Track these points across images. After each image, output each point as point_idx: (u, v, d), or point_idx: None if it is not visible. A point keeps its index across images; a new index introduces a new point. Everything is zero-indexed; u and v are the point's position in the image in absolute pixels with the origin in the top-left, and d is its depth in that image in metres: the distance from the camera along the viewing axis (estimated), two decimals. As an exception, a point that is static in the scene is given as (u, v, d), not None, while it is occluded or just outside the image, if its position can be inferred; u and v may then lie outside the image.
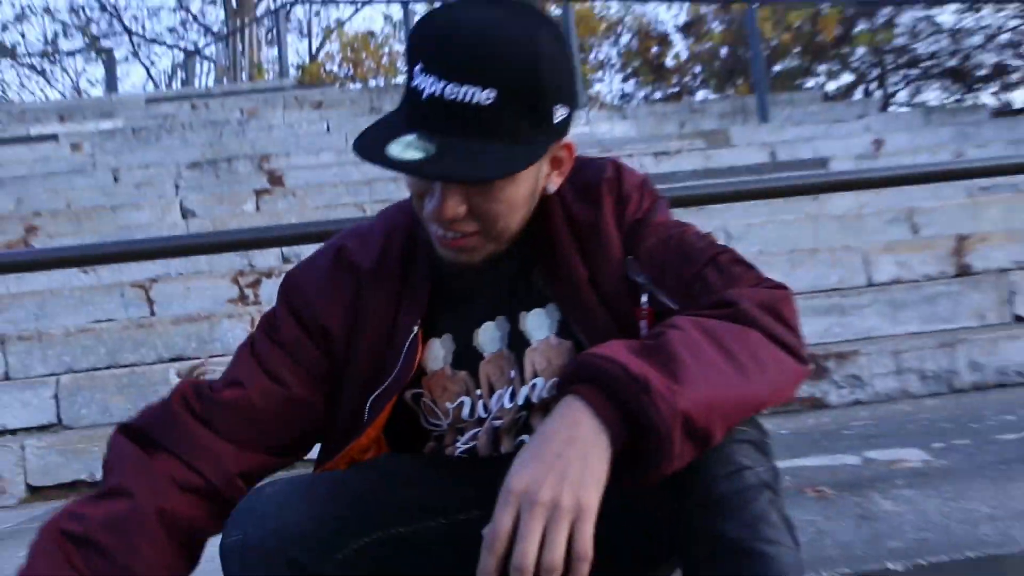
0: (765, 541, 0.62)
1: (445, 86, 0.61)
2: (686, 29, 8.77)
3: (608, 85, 9.54)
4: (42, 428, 2.31)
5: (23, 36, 12.01)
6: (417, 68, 0.64)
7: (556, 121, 0.67)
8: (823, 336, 2.49)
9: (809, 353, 1.79)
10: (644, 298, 0.74)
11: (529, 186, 0.71)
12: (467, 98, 0.61)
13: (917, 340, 2.41)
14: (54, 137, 5.29)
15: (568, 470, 0.57)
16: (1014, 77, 7.33)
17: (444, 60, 0.62)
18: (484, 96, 0.61)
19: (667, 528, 0.68)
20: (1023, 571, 0.99)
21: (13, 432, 2.28)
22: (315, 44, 11.63)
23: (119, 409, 2.31)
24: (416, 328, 0.75)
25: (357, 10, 11.20)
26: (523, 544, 0.54)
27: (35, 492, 2.03)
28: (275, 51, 8.38)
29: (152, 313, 2.88)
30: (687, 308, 0.70)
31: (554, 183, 0.74)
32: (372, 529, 0.70)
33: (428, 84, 0.62)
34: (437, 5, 0.88)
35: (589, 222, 0.77)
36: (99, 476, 1.67)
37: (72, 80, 12.55)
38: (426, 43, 0.65)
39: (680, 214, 2.29)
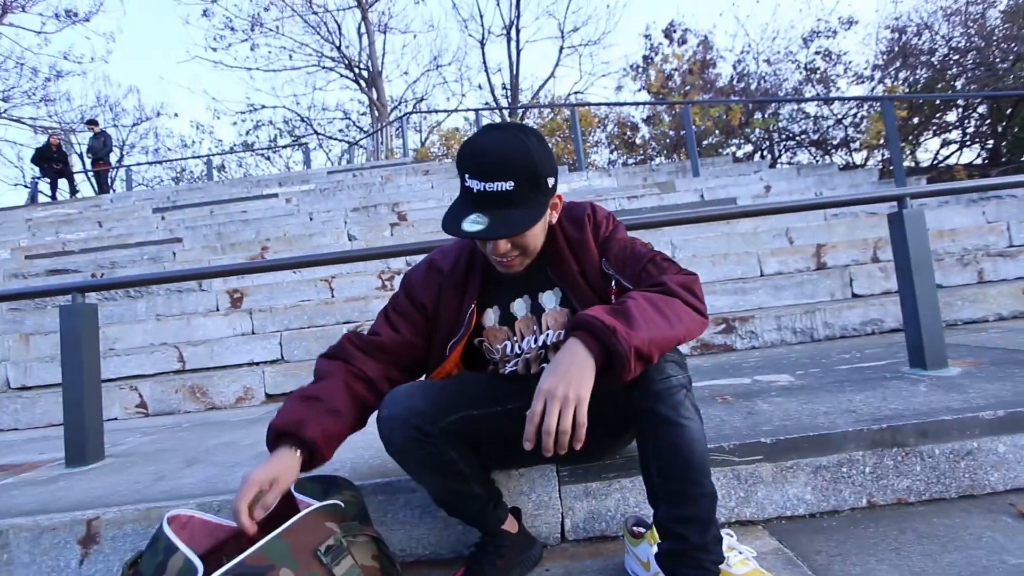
0: (684, 417, 0.83)
1: (485, 184, 0.87)
2: (647, 120, 11.80)
3: (600, 156, 12.70)
4: (273, 362, 3.30)
5: (257, 137, 18.35)
6: (466, 176, 0.89)
7: (550, 186, 0.94)
8: (732, 307, 3.10)
9: (721, 317, 2.79)
10: (613, 283, 0.99)
11: (542, 226, 0.98)
12: (498, 189, 0.87)
13: (791, 309, 2.89)
14: (275, 195, 7.24)
15: (572, 378, 0.78)
16: (854, 145, 9.33)
17: (481, 171, 0.88)
18: (508, 186, 0.87)
19: (627, 411, 0.88)
20: (840, 444, 1.22)
21: (258, 364, 3.29)
22: (424, 136, 16.65)
23: (315, 351, 3.30)
24: (473, 305, 1.03)
25: (448, 116, 16.20)
26: (549, 418, 0.77)
27: (269, 398, 2.96)
28: (401, 141, 11.65)
29: (332, 296, 4.04)
30: (637, 288, 0.92)
31: (554, 218, 1.02)
32: (458, 411, 0.96)
33: (475, 184, 0.88)
34: (476, 130, 1.07)
35: (578, 239, 1.02)
36: None
37: (284, 162, 18.67)
38: (468, 161, 0.90)
39: (644, 233, 3.37)
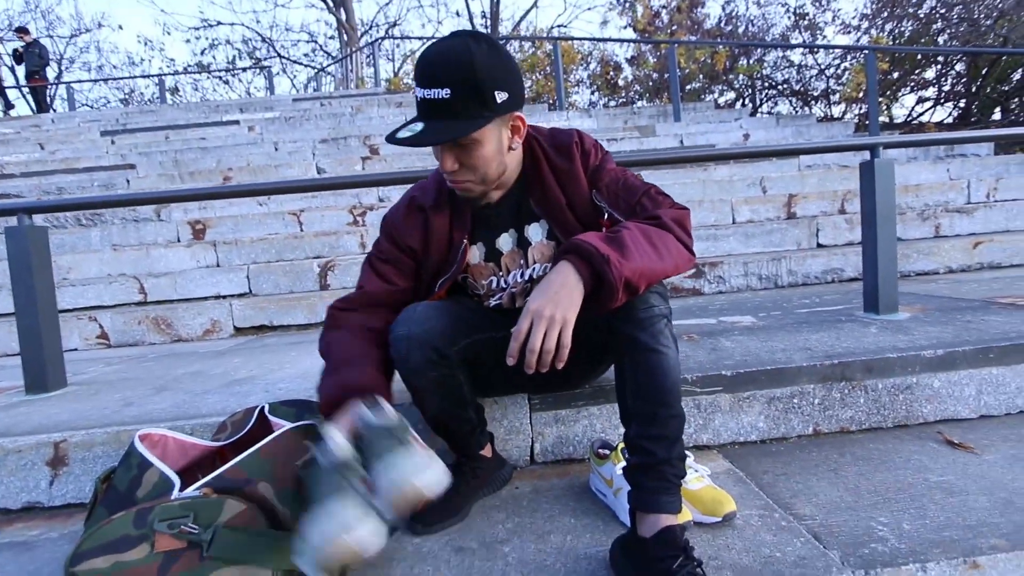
0: (662, 345, 0.85)
1: (425, 91, 0.84)
2: (631, 61, 11.32)
3: (581, 96, 12.25)
4: (241, 295, 3.22)
5: (214, 58, 17.05)
6: (416, 85, 0.86)
7: (500, 102, 0.85)
8: (703, 253, 3.19)
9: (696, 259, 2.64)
10: (605, 215, 0.97)
11: (494, 146, 0.90)
12: (435, 96, 0.83)
13: (758, 257, 2.99)
14: (236, 122, 6.81)
15: (559, 300, 0.78)
16: (833, 98, 9.30)
17: (422, 76, 0.84)
18: (444, 93, 0.83)
19: (607, 335, 0.89)
20: (794, 377, 1.29)
21: (224, 297, 3.20)
22: (397, 65, 15.79)
23: (284, 285, 3.24)
24: (465, 241, 1.00)
25: (423, 43, 14.26)
26: (534, 337, 0.77)
27: (238, 331, 2.94)
28: (372, 69, 11.02)
29: (301, 230, 3.90)
30: (630, 219, 0.92)
31: (516, 143, 0.94)
32: (469, 335, 0.98)
33: (419, 92, 0.85)
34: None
35: (565, 169, 0.98)
36: (273, 323, 2.68)
37: (245, 87, 17.44)
38: (416, 68, 0.86)
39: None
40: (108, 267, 3.52)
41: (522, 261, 1.04)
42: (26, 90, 10.48)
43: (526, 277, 1.05)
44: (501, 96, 0.86)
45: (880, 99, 9.24)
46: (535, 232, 1.03)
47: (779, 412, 1.32)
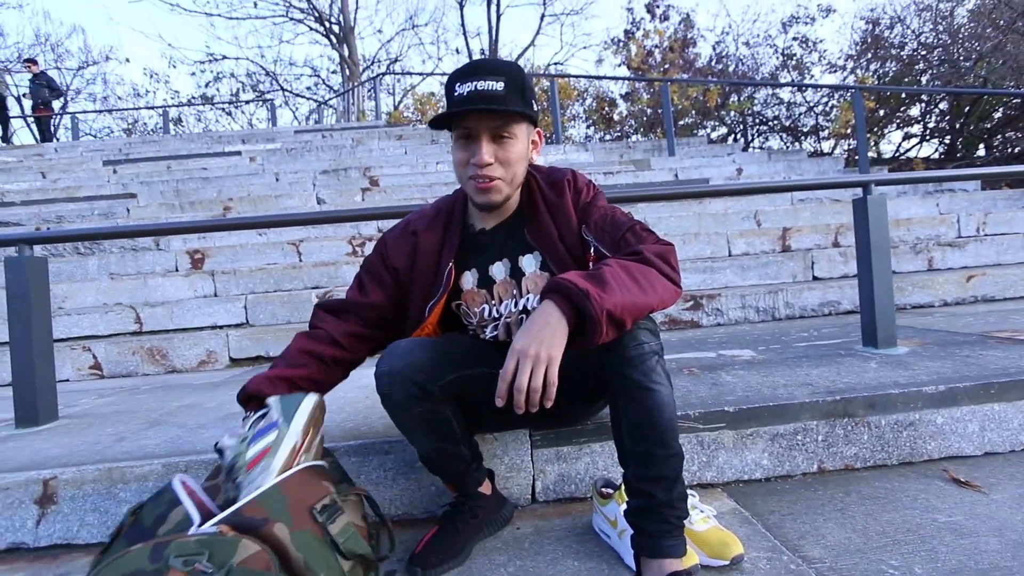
0: (654, 383, 0.85)
1: (477, 83, 0.91)
2: (626, 97, 12.06)
3: (577, 130, 12.71)
4: (238, 325, 3.21)
5: (218, 90, 17.26)
6: (457, 85, 0.91)
7: (534, 109, 0.96)
8: (700, 285, 3.20)
9: (689, 294, 2.88)
10: (592, 250, 0.99)
11: (523, 147, 0.97)
12: (488, 87, 0.90)
13: (755, 289, 3.00)
14: (238, 153, 6.96)
15: (544, 338, 0.79)
16: (823, 134, 9.62)
17: (475, 72, 0.92)
18: (498, 84, 0.91)
19: (600, 374, 0.89)
20: (796, 414, 1.28)
21: (221, 327, 3.20)
22: (397, 99, 16.15)
23: (281, 316, 3.24)
24: (451, 264, 1.02)
25: (423, 79, 15.84)
26: (520, 377, 0.78)
27: (234, 362, 2.89)
28: (373, 103, 11.30)
29: (300, 260, 3.94)
30: (615, 255, 0.93)
31: (535, 154, 1.03)
32: (456, 369, 0.96)
33: (469, 85, 0.90)
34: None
35: (557, 203, 1.03)
36: (270, 353, 2.67)
37: (247, 118, 17.76)
38: (463, 71, 0.93)
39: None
40: (105, 296, 3.50)
41: (515, 291, 1.05)
42: (31, 119, 10.61)
43: (520, 307, 1.05)
44: (536, 107, 0.99)
45: (868, 135, 9.49)
46: (529, 263, 1.05)
47: (783, 449, 1.31)
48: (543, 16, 15.91)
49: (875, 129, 10.01)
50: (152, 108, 15.29)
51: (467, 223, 1.06)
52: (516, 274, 1.05)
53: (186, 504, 0.82)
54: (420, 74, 15.30)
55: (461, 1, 15.88)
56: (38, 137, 10.51)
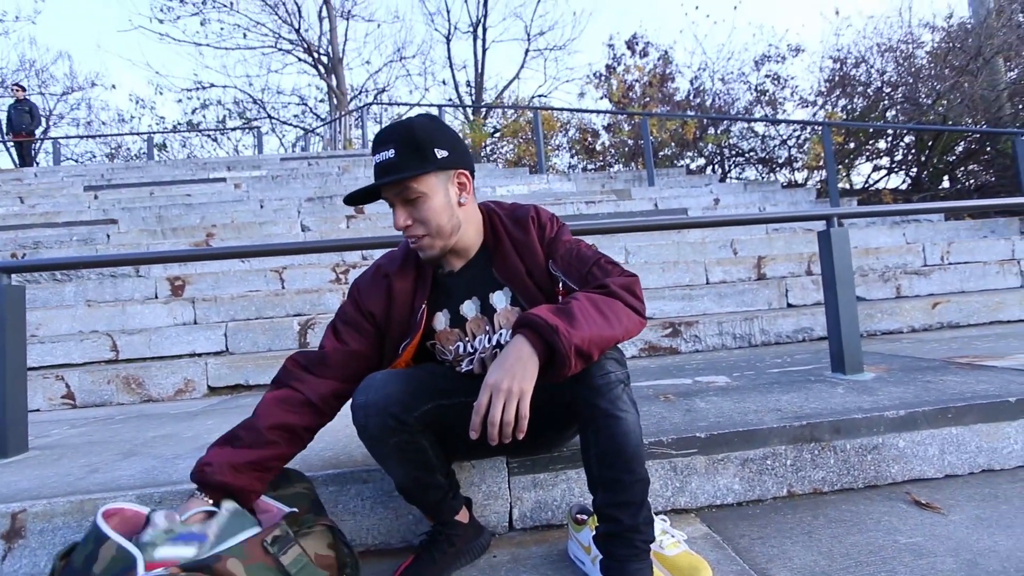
0: (620, 411, 0.88)
1: (376, 158, 0.97)
2: (608, 128, 12.47)
3: (561, 160, 13.02)
4: (217, 353, 3.16)
5: (204, 117, 17.35)
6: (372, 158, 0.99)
7: (440, 157, 0.97)
8: (679, 312, 3.27)
9: (668, 321, 2.93)
10: (560, 285, 1.02)
11: (440, 199, 0.98)
12: (384, 158, 0.96)
13: (732, 316, 3.08)
14: (223, 180, 6.89)
15: (516, 373, 0.82)
16: (796, 165, 10.03)
17: (374, 147, 0.98)
18: (390, 153, 0.95)
19: (569, 405, 0.93)
20: (766, 439, 1.32)
21: (200, 355, 3.14)
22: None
23: (263, 343, 3.19)
24: (424, 306, 1.05)
25: (410, 109, 15.84)
26: (493, 410, 0.81)
27: (212, 390, 2.83)
28: (360, 132, 11.39)
29: (283, 287, 3.91)
30: (583, 288, 0.97)
31: (465, 195, 1.02)
32: (431, 400, 0.98)
33: (375, 158, 0.98)
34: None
35: (523, 241, 1.05)
36: (250, 382, 2.63)
37: (233, 145, 17.72)
38: (372, 145, 0.99)
39: (600, 239, 3.53)
40: (80, 323, 3.44)
41: (488, 327, 1.07)
42: (10, 144, 10.52)
43: (494, 342, 1.07)
44: (441, 152, 0.97)
45: (839, 166, 9.89)
46: (499, 299, 1.07)
47: (753, 474, 1.34)
48: (527, 51, 16.39)
49: (846, 161, 10.45)
50: (137, 134, 15.29)
51: (437, 267, 1.08)
52: (487, 311, 1.07)
53: (115, 538, 0.81)
54: (407, 104, 15.67)
55: (448, 36, 16.40)
56: (17, 162, 10.40)
